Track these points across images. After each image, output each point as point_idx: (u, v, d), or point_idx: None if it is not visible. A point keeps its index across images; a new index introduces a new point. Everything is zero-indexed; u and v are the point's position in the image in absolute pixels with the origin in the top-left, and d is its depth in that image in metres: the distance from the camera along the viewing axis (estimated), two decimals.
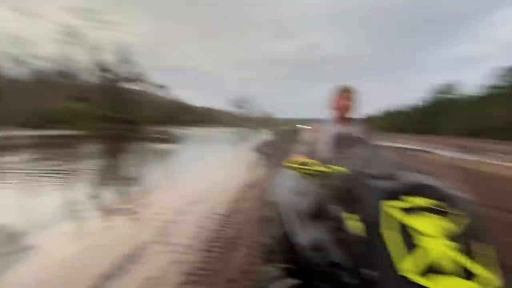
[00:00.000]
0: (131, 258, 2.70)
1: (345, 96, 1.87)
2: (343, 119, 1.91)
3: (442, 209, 0.84)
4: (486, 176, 8.15)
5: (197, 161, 10.52)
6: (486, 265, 0.77)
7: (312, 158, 1.96)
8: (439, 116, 46.55)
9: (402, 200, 0.87)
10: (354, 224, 0.96)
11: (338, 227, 1.07)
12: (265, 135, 33.25)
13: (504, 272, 0.82)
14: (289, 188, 2.17)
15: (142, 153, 12.69)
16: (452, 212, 0.84)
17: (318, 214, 1.56)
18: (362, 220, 0.91)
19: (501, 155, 15.54)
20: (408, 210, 0.86)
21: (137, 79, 31.48)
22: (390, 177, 0.96)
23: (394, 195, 0.87)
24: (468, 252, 0.78)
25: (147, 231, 3.36)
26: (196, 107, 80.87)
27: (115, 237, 3.30)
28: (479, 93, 42.87)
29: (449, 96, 49.31)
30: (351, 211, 0.99)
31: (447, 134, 40.60)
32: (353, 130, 1.89)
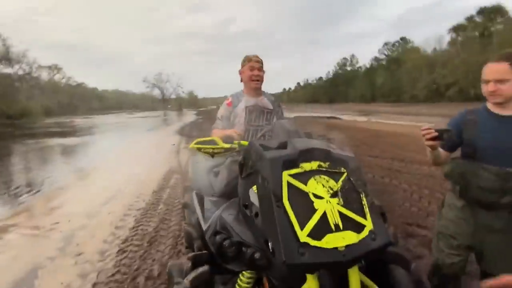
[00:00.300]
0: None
1: (252, 66, 1.79)
2: (253, 91, 1.85)
3: (329, 169, 0.88)
4: (373, 132, 10.08)
5: (109, 152, 9.23)
6: (365, 213, 0.85)
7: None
8: (343, 86, 54.03)
9: (297, 167, 0.87)
10: (256, 199, 0.94)
11: (244, 204, 1.04)
12: (189, 117, 31.90)
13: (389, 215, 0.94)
14: (201, 170, 2.08)
15: (24, 154, 10.03)
16: (335, 170, 0.89)
17: (228, 194, 1.52)
18: (263, 192, 0.88)
19: (384, 115, 19.60)
20: (302, 176, 0.86)
21: (14, 59, 24.50)
22: (284, 146, 0.95)
23: (288, 164, 0.86)
24: (350, 204, 0.84)
25: (48, 244, 2.77)
26: (103, 91, 69.77)
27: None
28: (371, 65, 51.26)
29: (350, 68, 57.52)
30: (255, 185, 0.95)
31: (351, 101, 47.85)
32: (262, 102, 1.87)
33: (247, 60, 1.81)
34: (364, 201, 0.85)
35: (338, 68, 59.46)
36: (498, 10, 29.44)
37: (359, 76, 52.46)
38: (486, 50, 27.36)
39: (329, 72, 63.38)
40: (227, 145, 1.26)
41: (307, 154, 0.88)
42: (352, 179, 0.88)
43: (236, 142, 1.30)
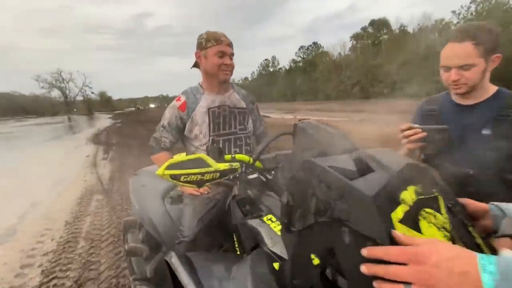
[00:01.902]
0: None
1: (222, 51, 1.24)
2: (220, 85, 1.33)
3: (425, 195, 0.56)
4: None
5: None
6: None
7: (187, 149, 1.39)
8: (267, 86, 57.16)
9: (399, 203, 0.48)
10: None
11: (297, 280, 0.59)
12: (103, 121, 27.65)
13: None
14: (150, 197, 1.51)
15: None
16: (431, 195, 0.58)
17: (203, 238, 1.07)
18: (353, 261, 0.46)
19: (308, 112, 21.55)
20: (411, 218, 0.49)
21: None
22: (366, 169, 0.55)
23: (391, 201, 0.47)
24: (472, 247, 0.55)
25: None
26: None
27: None
28: (291, 66, 55.83)
29: (272, 69, 61.36)
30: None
31: (275, 101, 50.89)
32: (231, 99, 1.37)
33: (212, 39, 1.24)
34: (477, 237, 0.56)
35: (261, 69, 62.57)
36: (384, 23, 36.22)
37: (280, 76, 56.46)
38: (377, 55, 33.39)
39: (253, 72, 66.21)
40: (223, 165, 0.80)
41: (404, 177, 0.52)
42: (449, 204, 0.57)
43: (233, 157, 0.85)
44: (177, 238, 1.27)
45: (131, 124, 19.95)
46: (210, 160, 0.77)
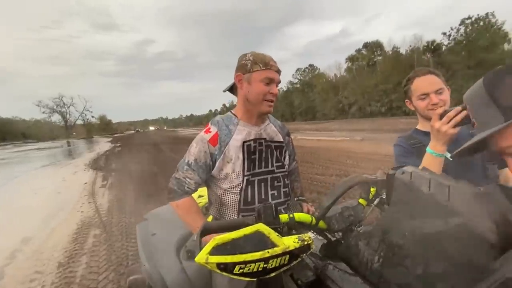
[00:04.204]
0: None
1: (269, 78, 1.05)
2: (259, 117, 1.12)
3: None
4: (307, 149, 10.51)
5: None
6: None
7: (211, 192, 1.14)
8: None
9: None
10: None
11: None
12: (102, 145, 27.42)
13: None
14: (163, 250, 1.23)
15: None
16: None
17: None
18: None
19: (307, 131, 21.56)
20: None
21: None
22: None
23: None
24: None
25: None
26: None
27: None
28: (288, 88, 56.99)
29: None
30: None
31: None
32: (268, 132, 1.15)
33: (260, 62, 1.04)
34: None
35: None
36: (377, 45, 37.46)
37: (278, 97, 57.52)
38: (372, 76, 34.17)
39: None
40: (293, 242, 0.52)
41: None
42: None
43: (291, 217, 0.61)
44: None
45: (129, 147, 19.70)
46: (273, 235, 0.51)
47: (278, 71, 1.09)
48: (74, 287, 2.49)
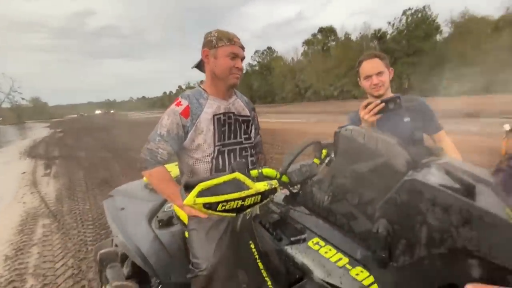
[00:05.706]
0: None
1: (234, 52, 1.11)
2: (227, 90, 1.19)
3: None
4: (269, 131, 10.86)
5: None
6: None
7: (182, 162, 1.20)
8: None
9: None
10: None
11: None
12: (39, 131, 24.27)
13: None
14: (134, 221, 1.28)
15: None
16: None
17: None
18: None
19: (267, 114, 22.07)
20: None
21: None
22: (470, 192, 0.47)
23: None
24: None
25: None
26: None
27: None
28: (247, 70, 56.41)
29: None
30: None
31: None
32: (236, 106, 1.23)
33: (225, 38, 1.11)
34: None
35: None
36: (331, 30, 38.94)
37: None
38: (326, 60, 35.77)
39: None
40: (263, 186, 0.66)
41: None
42: None
43: (260, 172, 0.72)
44: (191, 272, 1.07)
45: (72, 132, 17.83)
46: (247, 180, 0.63)
47: (242, 47, 1.17)
48: (27, 278, 2.34)
